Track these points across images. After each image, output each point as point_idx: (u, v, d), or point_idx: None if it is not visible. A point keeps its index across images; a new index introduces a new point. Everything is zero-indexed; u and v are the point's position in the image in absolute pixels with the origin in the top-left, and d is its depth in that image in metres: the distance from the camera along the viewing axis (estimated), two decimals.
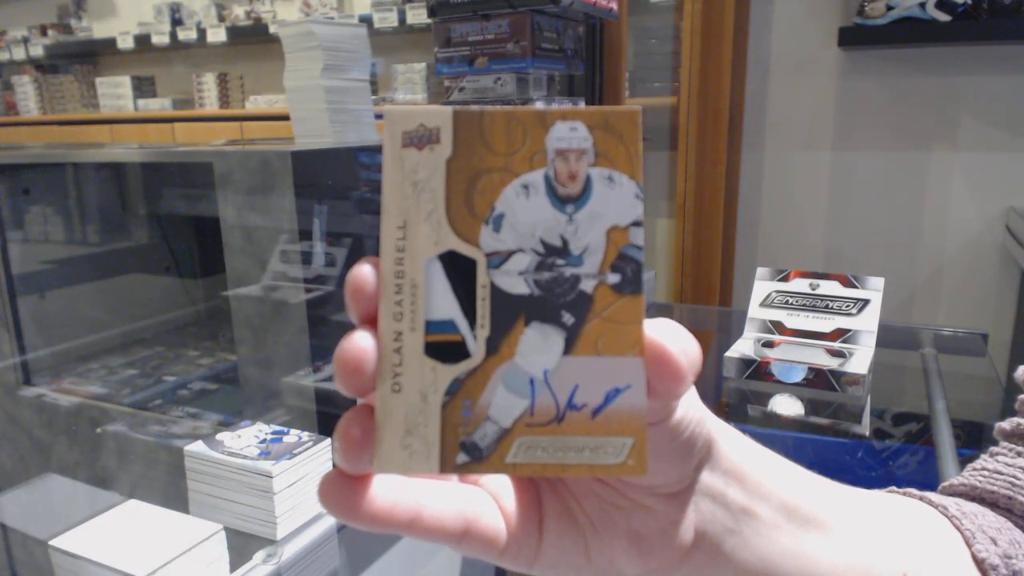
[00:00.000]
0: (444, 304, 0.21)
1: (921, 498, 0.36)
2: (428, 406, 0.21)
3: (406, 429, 0.21)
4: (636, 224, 0.22)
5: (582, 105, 1.15)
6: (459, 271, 0.22)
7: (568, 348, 0.22)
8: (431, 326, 0.21)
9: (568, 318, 0.22)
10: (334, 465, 0.23)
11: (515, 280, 0.22)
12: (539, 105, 1.04)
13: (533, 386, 0.22)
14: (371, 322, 0.22)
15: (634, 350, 0.21)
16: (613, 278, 0.22)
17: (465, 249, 0.22)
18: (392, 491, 0.23)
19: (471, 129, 0.21)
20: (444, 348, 0.21)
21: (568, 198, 0.22)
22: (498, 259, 0.22)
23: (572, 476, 0.24)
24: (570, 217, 0.22)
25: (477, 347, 0.22)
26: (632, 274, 0.22)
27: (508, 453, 0.21)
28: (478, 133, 0.21)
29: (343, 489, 0.22)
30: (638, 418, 0.21)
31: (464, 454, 0.21)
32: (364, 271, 0.21)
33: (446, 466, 0.21)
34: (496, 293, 0.22)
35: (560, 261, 0.22)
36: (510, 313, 0.22)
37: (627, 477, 0.24)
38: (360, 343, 0.21)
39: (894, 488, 0.37)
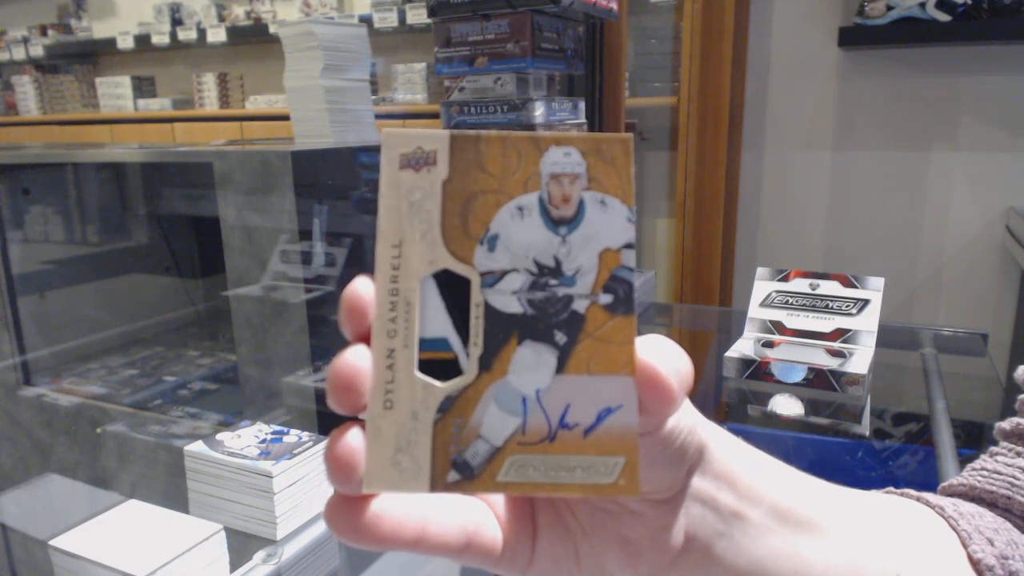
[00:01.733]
0: (438, 322, 0.22)
1: (918, 499, 0.36)
2: (419, 423, 0.21)
3: (396, 447, 0.21)
4: (628, 246, 0.22)
5: (582, 106, 1.15)
6: (453, 289, 0.22)
7: (560, 367, 0.22)
8: (424, 344, 0.21)
9: (560, 337, 0.22)
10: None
11: (508, 299, 0.22)
12: (539, 105, 1.04)
13: (525, 405, 0.22)
14: (365, 339, 0.22)
15: (626, 370, 0.22)
16: (605, 298, 0.22)
17: (459, 268, 0.22)
18: (397, 511, 0.23)
19: (467, 153, 0.22)
20: (437, 365, 0.21)
21: (561, 220, 0.22)
22: (492, 278, 0.22)
23: (563, 496, 0.24)
24: (563, 238, 0.22)
25: (470, 365, 0.22)
26: (624, 295, 0.22)
27: (499, 472, 0.21)
28: (474, 156, 0.22)
29: (347, 512, 0.22)
30: (630, 437, 0.21)
31: (455, 472, 0.21)
32: (359, 289, 0.21)
33: (437, 484, 0.21)
34: (489, 312, 0.22)
35: (553, 281, 0.22)
36: (503, 332, 0.22)
37: (618, 496, 0.24)
38: (353, 360, 0.21)
39: (892, 488, 0.37)
